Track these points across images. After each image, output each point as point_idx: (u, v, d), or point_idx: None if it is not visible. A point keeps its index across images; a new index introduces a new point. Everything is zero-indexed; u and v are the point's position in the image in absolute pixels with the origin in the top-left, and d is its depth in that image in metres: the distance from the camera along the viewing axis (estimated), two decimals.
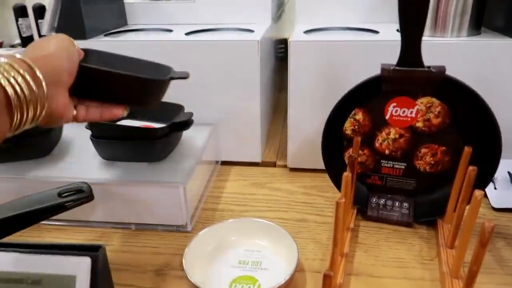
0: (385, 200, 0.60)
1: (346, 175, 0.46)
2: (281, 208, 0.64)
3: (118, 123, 0.63)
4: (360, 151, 0.60)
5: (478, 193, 0.42)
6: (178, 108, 0.65)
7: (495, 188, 0.64)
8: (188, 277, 0.46)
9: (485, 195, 0.63)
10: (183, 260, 0.48)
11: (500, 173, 0.66)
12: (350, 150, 0.58)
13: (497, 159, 0.52)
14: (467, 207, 0.44)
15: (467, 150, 0.51)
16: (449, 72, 0.51)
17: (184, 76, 0.55)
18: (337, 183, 0.61)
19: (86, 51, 0.42)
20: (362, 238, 0.57)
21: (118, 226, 0.60)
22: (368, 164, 0.60)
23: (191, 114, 0.63)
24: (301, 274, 0.51)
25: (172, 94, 0.70)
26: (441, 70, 0.50)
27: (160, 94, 0.49)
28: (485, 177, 0.54)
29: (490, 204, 0.62)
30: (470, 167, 0.47)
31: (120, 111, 0.44)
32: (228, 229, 0.55)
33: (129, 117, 0.58)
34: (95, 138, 0.59)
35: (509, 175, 0.65)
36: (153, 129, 0.59)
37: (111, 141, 0.59)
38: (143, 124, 0.66)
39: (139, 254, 0.55)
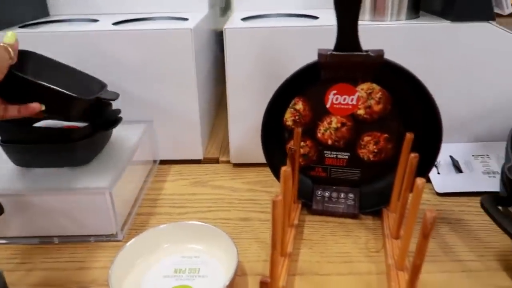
0: (330, 192, 0.58)
1: (285, 169, 0.43)
2: (223, 208, 0.60)
3: (38, 124, 0.56)
4: (302, 143, 0.57)
5: (419, 181, 0.39)
6: (105, 104, 0.59)
7: (438, 173, 0.64)
8: None
9: (429, 180, 0.63)
10: (108, 276, 0.43)
11: (443, 158, 0.66)
12: (292, 142, 0.55)
13: (439, 144, 0.51)
14: (411, 195, 0.42)
15: (409, 136, 0.49)
16: (389, 56, 0.49)
17: (112, 98, 0.55)
18: (276, 175, 0.58)
19: (25, 54, 0.47)
20: (307, 234, 0.54)
21: (38, 241, 0.53)
22: (311, 156, 0.57)
23: (118, 111, 0.57)
24: (242, 279, 0.47)
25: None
26: (380, 54, 0.47)
27: (84, 111, 0.51)
28: (427, 163, 0.52)
29: (434, 189, 0.62)
30: (412, 154, 0.45)
31: (38, 105, 0.45)
32: (160, 235, 0.50)
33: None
34: (4, 143, 0.52)
35: (451, 159, 0.65)
36: (73, 130, 0.53)
37: (24, 146, 0.52)
38: (65, 125, 0.59)
39: (62, 271, 0.49)
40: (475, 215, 0.56)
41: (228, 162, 0.72)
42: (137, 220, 0.58)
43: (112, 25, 0.68)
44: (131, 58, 0.64)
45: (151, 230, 0.50)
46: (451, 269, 0.47)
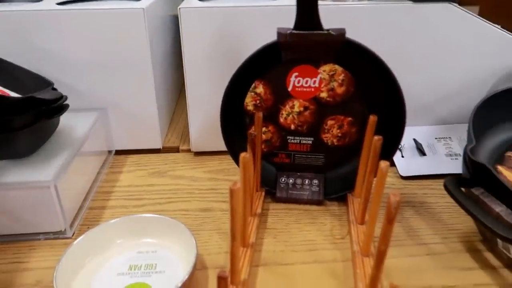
0: (294, 179, 0.56)
1: (244, 155, 0.40)
2: (183, 199, 0.57)
3: None
4: (264, 128, 0.54)
5: (383, 164, 0.38)
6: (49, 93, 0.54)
7: (402, 157, 0.63)
8: None
9: (393, 164, 0.62)
10: (54, 277, 0.39)
11: (407, 141, 0.65)
12: (253, 128, 0.52)
13: (402, 126, 0.50)
14: (375, 179, 0.41)
15: (372, 119, 0.47)
16: (351, 37, 0.47)
17: (53, 98, 0.50)
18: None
19: None
20: (271, 223, 0.52)
21: None
22: (274, 142, 0.55)
23: (64, 97, 0.52)
24: (202, 272, 0.44)
25: (50, 76, 0.59)
26: (341, 32, 0.45)
27: (17, 112, 0.46)
28: (392, 146, 0.51)
29: (398, 173, 0.61)
30: (376, 137, 0.44)
31: None
32: (112, 230, 0.46)
33: None
34: None
35: (415, 143, 0.65)
36: (13, 118, 0.48)
37: None
38: None
39: (3, 273, 0.44)
40: (439, 198, 0.56)
41: (189, 150, 0.69)
42: (89, 214, 0.54)
43: (57, 5, 0.62)
44: (79, 41, 0.59)
45: (102, 225, 0.46)
46: (415, 253, 0.47)
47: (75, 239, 0.45)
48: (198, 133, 0.66)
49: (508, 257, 0.43)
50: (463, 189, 0.45)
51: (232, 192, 0.35)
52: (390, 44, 0.61)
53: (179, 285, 0.39)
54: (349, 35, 0.46)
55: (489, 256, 0.46)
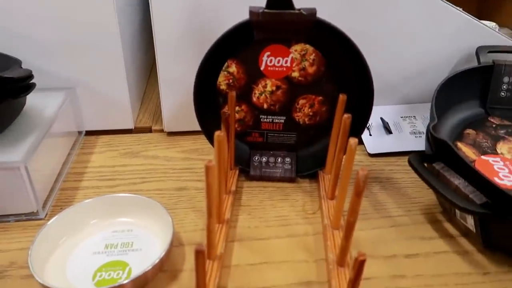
0: (267, 157, 0.57)
1: (218, 134, 0.41)
2: (157, 178, 0.57)
3: None
4: (237, 107, 0.55)
5: (352, 141, 0.40)
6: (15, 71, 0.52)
7: (370, 135, 0.66)
8: (35, 276, 0.37)
9: (362, 142, 0.65)
10: (29, 258, 0.39)
11: (374, 120, 0.68)
12: (226, 107, 0.53)
13: (370, 106, 0.52)
14: (344, 156, 0.43)
15: (342, 97, 0.49)
16: (322, 17, 0.47)
17: (22, 76, 0.48)
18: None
19: None
20: (245, 200, 0.53)
21: None
22: (247, 121, 0.56)
23: (31, 73, 0.51)
24: (179, 249, 0.45)
25: (16, 56, 0.57)
26: (312, 12, 0.46)
27: None
28: (360, 124, 0.53)
29: (366, 150, 0.64)
30: (345, 115, 0.45)
31: None
32: (86, 211, 0.46)
33: None
34: None
35: (382, 121, 0.67)
36: None
37: None
38: None
39: None
40: (404, 173, 0.59)
41: (161, 131, 0.69)
42: (62, 196, 0.53)
43: None
44: (45, 19, 0.57)
45: (75, 206, 0.46)
46: (381, 225, 0.49)
47: (48, 220, 0.44)
48: (171, 113, 0.66)
49: (465, 226, 0.47)
50: (425, 164, 0.48)
51: (207, 169, 0.35)
52: (358, 25, 0.62)
53: (157, 261, 0.39)
54: (319, 15, 0.47)
55: (448, 226, 0.49)
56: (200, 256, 0.33)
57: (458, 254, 0.45)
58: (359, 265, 0.32)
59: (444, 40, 0.66)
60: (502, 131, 0.59)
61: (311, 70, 0.52)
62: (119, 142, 0.66)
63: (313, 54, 0.51)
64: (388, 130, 0.66)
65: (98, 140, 0.66)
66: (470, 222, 0.45)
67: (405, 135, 0.66)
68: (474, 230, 0.45)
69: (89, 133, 0.67)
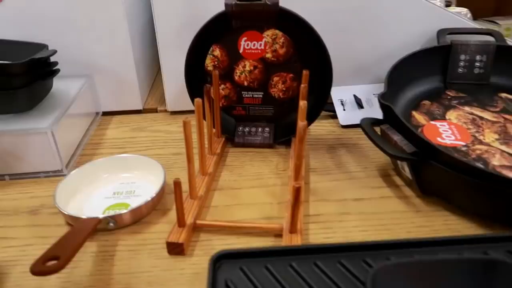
0: (249, 128, 0.68)
1: (197, 100, 0.52)
2: (159, 146, 0.69)
3: None
4: (223, 85, 0.66)
5: (301, 103, 0.50)
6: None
7: (344, 110, 0.75)
8: (60, 209, 0.50)
9: (336, 116, 0.74)
10: (55, 195, 0.51)
11: (348, 97, 0.77)
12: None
13: (330, 80, 0.62)
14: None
15: (305, 73, 0.59)
16: (297, 2, 0.57)
17: (48, 55, 0.61)
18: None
19: None
20: (229, 161, 0.64)
21: None
22: (231, 97, 0.67)
23: (56, 63, 0.64)
24: (171, 196, 0.56)
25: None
26: (275, 2, 0.56)
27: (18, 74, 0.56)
28: (323, 97, 0.63)
29: (339, 122, 0.73)
30: (302, 85, 0.55)
31: None
32: (99, 167, 0.58)
33: None
34: None
35: (355, 98, 0.77)
36: (12, 78, 0.58)
37: None
38: None
39: (14, 200, 0.57)
40: (368, 140, 0.68)
41: (165, 111, 0.81)
42: (81, 159, 0.66)
43: None
44: (56, 9, 0.70)
45: (91, 163, 0.58)
46: (339, 178, 0.59)
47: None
48: (173, 95, 0.78)
49: (407, 177, 0.56)
50: (375, 127, 0.57)
51: (184, 124, 0.47)
52: (334, 13, 0.72)
53: (149, 199, 0.51)
54: (291, 4, 0.57)
55: (396, 179, 0.59)
56: (177, 186, 0.45)
57: (399, 198, 0.55)
58: (296, 191, 0.43)
59: (411, 25, 0.75)
60: (455, 102, 0.67)
61: (281, 51, 0.62)
62: (129, 120, 0.78)
63: (282, 38, 0.61)
64: (360, 106, 0.75)
65: (112, 119, 0.79)
66: (407, 171, 0.54)
67: (375, 110, 0.75)
68: (411, 178, 0.54)
69: (105, 113, 0.80)
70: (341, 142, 0.68)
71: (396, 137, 0.54)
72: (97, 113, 0.79)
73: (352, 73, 0.79)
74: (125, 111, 0.80)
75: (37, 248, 0.48)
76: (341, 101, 0.76)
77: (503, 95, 0.68)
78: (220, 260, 0.38)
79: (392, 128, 0.55)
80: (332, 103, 0.77)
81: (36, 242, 0.49)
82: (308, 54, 0.62)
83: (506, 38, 0.73)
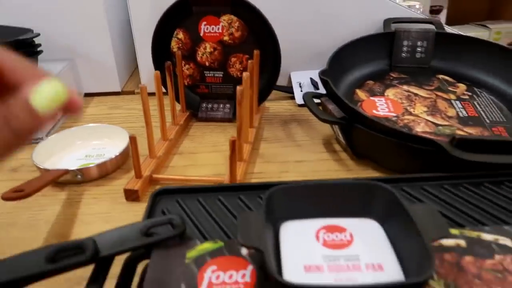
0: (212, 104, 0.76)
1: (155, 72, 0.60)
2: (131, 121, 0.77)
3: None
4: (187, 65, 0.74)
5: (244, 74, 0.58)
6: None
7: (301, 91, 0.83)
8: (36, 164, 0.57)
9: (294, 97, 0.82)
10: (32, 154, 0.59)
11: (306, 80, 0.85)
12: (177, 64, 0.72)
13: (279, 61, 0.69)
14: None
15: (256, 52, 0.67)
16: None
17: (31, 37, 0.67)
18: (177, 99, 0.75)
19: None
20: (191, 132, 0.72)
21: None
22: (195, 76, 0.75)
23: (39, 44, 0.72)
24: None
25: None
26: None
27: None
28: (274, 75, 0.71)
29: (296, 102, 0.81)
30: (249, 61, 0.63)
31: None
32: (75, 134, 0.66)
33: None
34: None
35: (311, 81, 0.85)
36: None
37: None
38: None
39: None
40: None
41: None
42: (59, 131, 0.74)
43: None
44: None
45: (67, 130, 0.66)
46: (286, 145, 0.67)
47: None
48: (148, 78, 0.86)
49: (342, 142, 0.63)
50: (316, 100, 0.65)
51: (141, 89, 0.55)
52: (290, 2, 0.80)
53: (113, 157, 0.59)
54: None
55: (336, 146, 0.66)
56: (133, 140, 0.52)
57: (335, 160, 0.62)
58: (232, 144, 0.50)
59: (363, 15, 0.83)
60: (396, 81, 0.75)
61: (237, 34, 0.70)
62: (108, 100, 0.86)
63: (237, 23, 0.69)
64: (316, 87, 0.83)
65: (93, 99, 0.87)
66: (341, 136, 0.62)
67: None
68: (344, 141, 0.62)
69: (87, 94, 0.88)
70: (295, 118, 0.76)
71: (331, 106, 0.61)
72: (79, 94, 0.87)
73: (309, 59, 0.87)
74: (105, 92, 0.88)
75: None
76: (299, 83, 0.84)
77: (441, 76, 0.76)
78: (160, 195, 0.45)
79: (329, 100, 0.63)
80: (291, 86, 0.85)
81: None
82: (261, 37, 0.70)
83: (446, 26, 0.81)
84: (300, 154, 0.64)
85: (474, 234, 0.39)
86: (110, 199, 0.55)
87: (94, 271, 0.37)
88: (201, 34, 0.71)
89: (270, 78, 0.71)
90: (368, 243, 0.37)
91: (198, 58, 0.73)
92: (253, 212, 0.43)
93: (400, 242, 0.36)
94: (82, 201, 0.55)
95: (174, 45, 0.72)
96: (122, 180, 0.59)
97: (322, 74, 0.65)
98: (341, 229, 0.38)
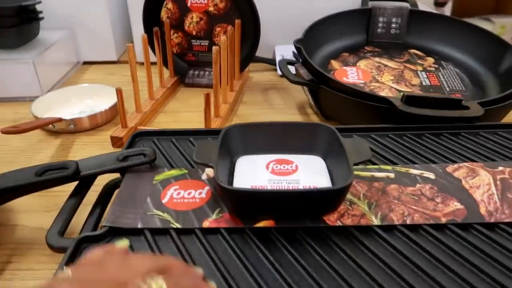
0: (198, 71, 0.82)
1: (143, 35, 0.66)
2: (124, 85, 0.83)
3: None
4: (176, 34, 0.80)
5: (223, 38, 0.64)
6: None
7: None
8: (34, 114, 0.64)
9: (277, 69, 0.88)
10: (31, 106, 0.66)
11: (289, 53, 0.91)
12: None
13: (258, 33, 0.75)
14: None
15: (237, 22, 0.73)
16: None
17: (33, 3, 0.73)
18: (164, 64, 0.81)
19: None
20: (178, 95, 0.78)
21: None
22: (183, 44, 0.81)
23: (40, 11, 0.78)
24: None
25: None
26: None
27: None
28: (254, 44, 0.77)
29: (278, 73, 0.87)
30: (229, 28, 0.69)
31: None
32: (71, 92, 0.73)
33: None
34: None
35: (293, 53, 0.90)
36: (2, 18, 0.73)
37: None
38: None
39: (1, 114, 0.71)
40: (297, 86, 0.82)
41: (137, 62, 0.95)
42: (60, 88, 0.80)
43: None
44: None
45: (63, 88, 0.73)
46: (263, 108, 0.73)
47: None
48: (141, 47, 0.92)
49: (312, 104, 0.69)
50: (290, 66, 0.71)
51: (128, 48, 0.61)
52: None
53: (103, 110, 0.65)
54: None
55: (309, 110, 0.72)
56: (119, 92, 0.59)
57: (305, 120, 0.68)
58: (206, 96, 0.57)
59: None
60: (369, 54, 0.80)
61: (221, 5, 0.76)
62: (105, 68, 0.93)
63: None
64: (298, 59, 0.89)
65: (91, 66, 0.93)
66: (311, 98, 0.68)
67: None
68: (313, 103, 0.68)
69: (86, 63, 0.95)
70: (275, 87, 0.82)
71: (302, 71, 0.67)
72: (78, 62, 0.93)
73: (294, 34, 0.92)
74: (102, 61, 0.95)
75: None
76: (282, 56, 0.90)
77: (412, 51, 0.81)
78: (138, 136, 0.52)
79: (301, 65, 0.69)
80: (275, 59, 0.90)
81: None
82: (243, 8, 0.75)
83: (420, 4, 0.86)
84: (274, 116, 0.70)
85: (403, 169, 0.45)
86: (98, 145, 0.62)
87: (76, 187, 0.44)
88: (188, 5, 0.77)
89: (251, 47, 0.77)
90: (309, 172, 0.43)
91: (186, 28, 0.79)
92: (210, 140, 0.49)
93: (336, 171, 0.43)
94: (73, 146, 0.62)
95: (163, 14, 0.78)
96: (110, 131, 0.65)
97: (296, 42, 0.71)
98: (288, 162, 0.45)
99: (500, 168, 0.44)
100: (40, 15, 0.80)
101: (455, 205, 0.39)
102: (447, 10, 2.93)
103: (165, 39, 0.76)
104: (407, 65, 0.76)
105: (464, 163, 0.46)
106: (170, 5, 0.77)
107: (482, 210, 0.39)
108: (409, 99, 0.54)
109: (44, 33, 0.83)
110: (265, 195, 0.38)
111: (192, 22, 0.78)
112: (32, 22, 0.77)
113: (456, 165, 0.45)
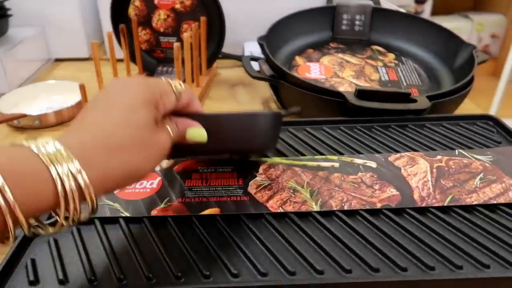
0: (167, 68, 0.84)
1: (108, 32, 0.67)
2: (94, 80, 0.84)
3: None
4: (144, 31, 0.81)
5: (185, 34, 0.65)
6: None
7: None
8: (2, 112, 0.65)
9: None
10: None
11: (257, 50, 0.92)
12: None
13: (223, 28, 0.77)
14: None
15: (202, 19, 0.75)
16: None
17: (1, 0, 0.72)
18: (133, 60, 0.83)
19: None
20: None
21: None
22: (152, 41, 0.82)
23: (8, 9, 0.79)
24: None
25: None
26: None
27: None
28: (220, 41, 0.79)
29: None
30: (193, 24, 0.71)
31: None
32: (38, 88, 0.74)
33: None
34: None
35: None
36: None
37: None
38: None
39: None
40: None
41: (107, 59, 0.96)
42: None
43: None
44: None
45: (30, 85, 0.74)
46: (229, 103, 0.75)
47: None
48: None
49: (275, 100, 0.72)
50: (254, 62, 0.73)
51: (92, 45, 0.62)
52: None
53: (69, 105, 0.67)
54: None
55: (273, 105, 0.75)
56: (82, 88, 0.60)
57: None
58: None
59: None
60: (333, 50, 0.83)
61: (188, 3, 0.78)
62: (76, 64, 0.94)
63: None
64: None
65: (62, 63, 0.94)
66: (273, 94, 0.70)
67: None
68: (275, 98, 0.70)
69: (58, 60, 0.95)
70: (242, 83, 0.84)
71: (265, 67, 0.69)
72: (49, 59, 0.94)
73: (262, 31, 0.94)
74: (74, 58, 0.96)
75: None
76: (251, 52, 0.92)
77: (374, 47, 0.84)
78: None
79: (264, 61, 0.71)
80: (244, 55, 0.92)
81: None
82: (209, 6, 0.77)
83: (384, 1, 0.89)
84: (238, 110, 0.72)
85: (348, 159, 0.47)
86: None
87: None
88: (156, 2, 0.78)
89: (217, 44, 0.79)
90: None
91: (154, 24, 0.80)
92: None
93: None
94: None
95: (131, 11, 0.80)
96: None
97: (259, 39, 0.73)
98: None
99: (438, 157, 0.47)
100: (9, 12, 0.80)
101: (391, 191, 0.42)
102: (427, 7, 2.97)
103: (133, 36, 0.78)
104: (369, 61, 0.79)
105: (406, 153, 0.48)
106: (137, 3, 0.79)
107: (416, 196, 0.42)
108: (361, 93, 0.57)
109: (13, 30, 0.84)
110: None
111: (159, 19, 0.80)
112: (0, 19, 0.78)
113: (398, 155, 0.48)
